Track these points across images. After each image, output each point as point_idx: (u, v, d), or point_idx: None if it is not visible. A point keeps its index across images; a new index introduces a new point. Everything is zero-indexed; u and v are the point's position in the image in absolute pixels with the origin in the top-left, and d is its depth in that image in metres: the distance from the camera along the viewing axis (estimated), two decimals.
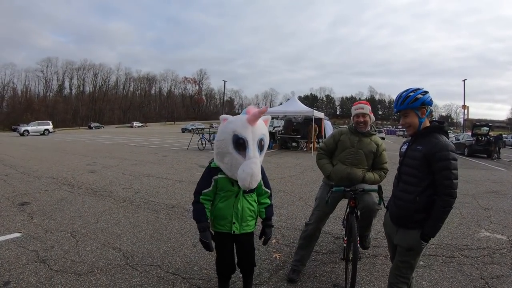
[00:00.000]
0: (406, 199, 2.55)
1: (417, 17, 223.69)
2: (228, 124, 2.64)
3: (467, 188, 9.63)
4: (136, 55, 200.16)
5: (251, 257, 2.97)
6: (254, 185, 2.56)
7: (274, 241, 4.75)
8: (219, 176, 2.71)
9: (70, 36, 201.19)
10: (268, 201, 2.94)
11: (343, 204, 3.98)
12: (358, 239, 3.35)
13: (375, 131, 3.92)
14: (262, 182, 2.86)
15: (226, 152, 2.60)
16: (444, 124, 2.63)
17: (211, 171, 2.78)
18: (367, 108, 3.75)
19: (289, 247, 4.54)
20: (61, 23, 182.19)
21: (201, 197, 2.76)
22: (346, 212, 3.79)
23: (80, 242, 4.56)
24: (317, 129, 21.09)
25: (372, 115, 3.82)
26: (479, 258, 4.36)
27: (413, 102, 2.52)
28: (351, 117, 3.87)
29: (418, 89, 2.57)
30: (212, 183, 2.76)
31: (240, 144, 2.54)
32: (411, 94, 2.54)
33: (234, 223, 2.75)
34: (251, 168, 2.48)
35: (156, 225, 5.33)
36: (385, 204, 2.97)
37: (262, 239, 2.93)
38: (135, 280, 3.52)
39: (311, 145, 20.68)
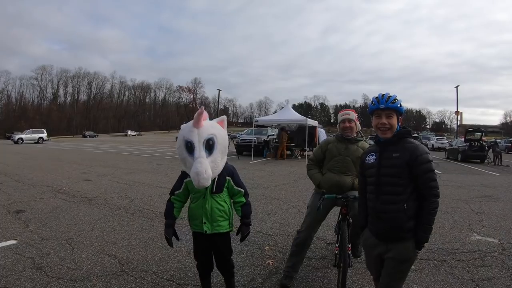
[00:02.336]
0: (393, 210, 2.40)
1: (408, 23, 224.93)
2: (181, 131, 2.83)
3: (459, 193, 9.73)
4: (129, 64, 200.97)
5: (226, 258, 3.06)
6: (205, 183, 2.62)
7: (267, 247, 4.80)
8: (188, 178, 2.80)
9: (62, 44, 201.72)
10: (243, 199, 3.00)
11: (336, 211, 3.99)
12: (349, 246, 3.39)
13: (362, 137, 3.96)
14: (232, 182, 2.95)
15: (184, 157, 2.75)
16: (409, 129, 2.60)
17: (183, 174, 2.94)
18: (353, 115, 3.82)
19: (282, 254, 4.56)
20: (53, 30, 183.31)
21: (172, 197, 3.00)
22: (338, 219, 3.81)
23: (76, 249, 4.59)
24: (287, 137, 21.36)
25: (358, 123, 3.89)
26: (470, 261, 4.40)
27: (396, 103, 2.49)
28: (338, 124, 3.93)
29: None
30: (183, 185, 2.94)
31: (189, 147, 2.69)
32: (392, 95, 2.52)
33: (204, 223, 2.85)
34: (196, 167, 2.59)
35: (151, 233, 5.37)
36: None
37: (240, 236, 3.02)
38: (130, 286, 3.56)
39: (275, 153, 21.13)
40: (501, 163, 21.37)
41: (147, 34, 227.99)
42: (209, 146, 2.71)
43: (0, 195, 8.25)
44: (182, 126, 2.89)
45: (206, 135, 2.69)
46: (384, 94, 2.53)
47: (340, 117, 3.88)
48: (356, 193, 3.61)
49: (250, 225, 3.03)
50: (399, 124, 2.54)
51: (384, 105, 2.48)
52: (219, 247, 2.99)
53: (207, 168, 2.61)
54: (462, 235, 5.57)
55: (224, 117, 3.07)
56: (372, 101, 2.59)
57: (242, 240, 3.02)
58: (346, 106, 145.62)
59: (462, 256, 4.61)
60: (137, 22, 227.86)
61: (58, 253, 4.43)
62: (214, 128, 2.80)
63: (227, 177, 2.92)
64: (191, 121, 2.75)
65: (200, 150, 2.65)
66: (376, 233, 2.52)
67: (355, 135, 3.84)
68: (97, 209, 6.95)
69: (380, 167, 2.50)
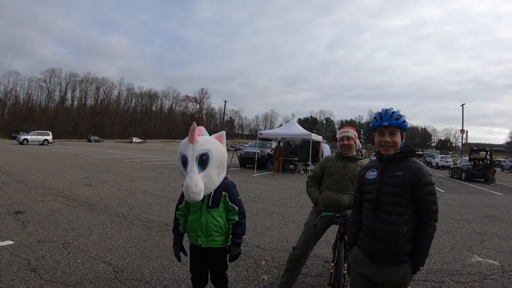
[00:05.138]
0: (392, 231, 2.31)
1: (414, 39, 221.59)
2: (179, 146, 2.90)
3: (461, 213, 9.66)
4: (136, 70, 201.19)
5: (220, 273, 3.07)
6: (195, 197, 2.65)
7: (263, 262, 4.76)
8: None
9: (70, 48, 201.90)
10: (235, 218, 2.97)
11: (334, 228, 3.98)
12: (345, 265, 3.37)
13: (362, 155, 3.92)
14: (228, 198, 2.95)
15: (181, 171, 2.81)
16: (414, 148, 2.53)
17: None
18: (352, 132, 3.81)
19: (278, 269, 4.52)
20: (61, 34, 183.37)
21: (177, 212, 3.07)
22: (336, 237, 3.79)
23: (71, 253, 4.60)
24: (281, 151, 21.39)
25: (358, 141, 3.86)
26: (469, 284, 4.36)
27: (400, 120, 2.41)
28: (337, 142, 3.92)
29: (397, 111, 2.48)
30: (184, 199, 2.95)
31: (183, 161, 2.77)
32: (395, 111, 2.44)
33: (199, 236, 2.89)
34: (186, 181, 2.64)
35: (148, 242, 5.36)
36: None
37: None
38: None
39: (274, 166, 21.21)
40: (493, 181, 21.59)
41: (154, 42, 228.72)
42: (203, 161, 2.74)
43: (1, 195, 8.29)
44: (182, 141, 2.94)
45: (200, 150, 2.73)
46: (387, 110, 2.46)
47: (339, 134, 3.89)
48: None
49: (239, 245, 2.99)
50: (403, 141, 2.47)
51: (388, 122, 2.41)
52: (213, 261, 3.01)
53: (197, 182, 2.64)
54: (462, 256, 5.51)
55: (223, 132, 3.10)
56: (375, 117, 2.51)
57: (230, 260, 3.00)
58: (351, 122, 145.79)
59: (461, 278, 4.57)
60: (144, 29, 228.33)
61: (53, 257, 4.44)
62: (210, 144, 2.82)
63: (223, 193, 2.93)
64: (187, 137, 2.80)
65: (192, 165, 2.70)
66: (370, 253, 2.42)
67: (355, 153, 3.82)
68: (96, 214, 6.95)
69: (381, 184, 2.42)
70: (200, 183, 2.65)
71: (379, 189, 2.42)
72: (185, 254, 3.09)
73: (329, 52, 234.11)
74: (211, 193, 2.86)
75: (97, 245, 5.04)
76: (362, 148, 4.03)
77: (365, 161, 3.78)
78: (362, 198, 2.61)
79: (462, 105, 49.76)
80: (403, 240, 2.30)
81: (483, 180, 22.15)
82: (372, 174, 2.53)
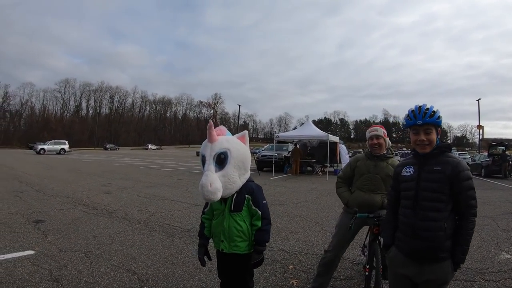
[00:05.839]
0: (433, 227, 2.25)
1: (424, 36, 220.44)
2: (201, 147, 2.81)
3: (485, 209, 9.33)
4: (149, 78, 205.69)
5: (242, 281, 2.88)
6: (210, 196, 2.50)
7: (291, 267, 4.61)
8: None
9: (82, 58, 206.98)
10: (257, 223, 2.77)
11: (362, 230, 3.87)
12: (381, 267, 3.23)
13: (392, 153, 3.83)
14: (251, 201, 2.78)
15: (202, 171, 2.68)
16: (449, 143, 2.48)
17: None
18: (381, 131, 3.71)
19: (306, 273, 4.39)
20: (73, 45, 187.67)
21: (202, 216, 2.96)
22: (367, 239, 3.74)
23: (94, 262, 4.47)
24: (299, 153, 21.32)
25: (387, 139, 3.76)
26: (500, 282, 4.19)
27: (434, 117, 2.36)
28: (366, 141, 3.82)
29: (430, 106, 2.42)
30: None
31: (203, 161, 2.67)
32: (429, 107, 2.39)
33: (222, 241, 2.75)
34: (201, 180, 2.53)
35: (171, 249, 5.21)
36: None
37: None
38: None
39: (292, 169, 21.06)
40: (510, 175, 21.31)
41: (165, 49, 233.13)
42: (220, 160, 2.61)
43: (20, 204, 8.26)
44: (203, 142, 2.84)
45: (218, 149, 2.62)
46: (421, 106, 2.39)
47: (368, 133, 3.78)
48: None
49: (261, 253, 2.79)
50: (438, 137, 2.41)
51: (422, 121, 2.35)
52: (237, 268, 2.82)
53: (213, 181, 2.51)
54: (490, 254, 5.32)
55: (246, 132, 2.97)
56: (408, 115, 2.44)
57: (252, 267, 2.83)
58: (366, 122, 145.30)
59: (492, 276, 4.40)
60: (155, 37, 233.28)
61: (76, 266, 4.31)
62: (229, 143, 2.69)
63: (246, 196, 2.76)
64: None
65: (209, 164, 2.59)
66: (410, 252, 2.35)
67: (385, 151, 3.72)
68: (117, 222, 6.85)
69: (420, 181, 2.35)
70: (216, 182, 2.52)
71: (418, 186, 2.35)
72: (209, 259, 2.96)
73: (340, 53, 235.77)
74: (233, 196, 2.71)
75: (120, 253, 4.91)
76: (392, 146, 3.89)
77: (396, 159, 3.72)
78: (397, 196, 2.54)
79: (478, 100, 48.78)
80: (444, 236, 2.24)
81: (501, 176, 21.84)
82: (409, 171, 2.45)
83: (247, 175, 2.80)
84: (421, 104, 2.42)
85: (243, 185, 2.74)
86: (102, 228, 6.32)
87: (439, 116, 2.37)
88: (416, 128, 2.39)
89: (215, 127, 2.66)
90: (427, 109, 2.36)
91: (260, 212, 2.77)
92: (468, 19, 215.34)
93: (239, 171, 2.70)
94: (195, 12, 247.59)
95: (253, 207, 2.76)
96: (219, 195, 2.54)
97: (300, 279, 4.21)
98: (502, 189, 14.98)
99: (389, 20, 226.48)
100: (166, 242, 5.54)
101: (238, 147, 2.73)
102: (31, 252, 4.77)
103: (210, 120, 2.70)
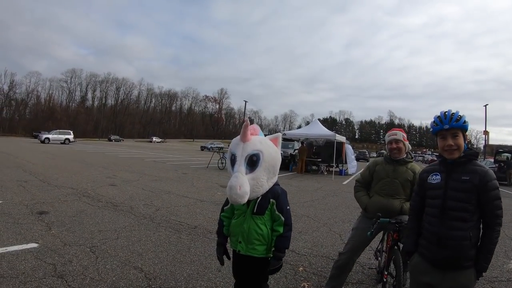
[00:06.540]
0: (459, 237, 2.23)
1: (432, 38, 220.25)
2: (231, 143, 2.72)
3: None
4: (155, 71, 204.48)
5: (255, 284, 2.78)
6: (238, 199, 2.42)
7: (301, 269, 4.52)
8: None
9: (89, 49, 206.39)
10: (279, 229, 2.65)
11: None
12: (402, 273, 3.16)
13: (412, 158, 3.73)
14: (275, 206, 2.66)
15: (229, 170, 2.62)
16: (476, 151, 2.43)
17: None
18: (400, 134, 3.63)
19: (317, 276, 4.30)
20: (80, 35, 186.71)
21: (221, 214, 2.87)
22: (381, 244, 3.74)
23: (99, 258, 4.33)
24: (306, 152, 21.23)
25: (407, 143, 3.67)
26: None
27: (460, 121, 2.33)
28: (385, 145, 3.75)
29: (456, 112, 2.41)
30: None
31: (232, 160, 2.58)
32: (455, 112, 2.36)
33: (240, 242, 2.66)
34: (231, 181, 2.44)
35: (178, 246, 5.07)
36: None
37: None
38: None
39: (297, 167, 20.94)
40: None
41: (172, 42, 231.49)
42: (252, 162, 2.51)
43: (24, 194, 8.16)
44: (234, 138, 2.73)
45: (250, 150, 2.51)
46: (446, 112, 2.39)
47: (387, 137, 3.71)
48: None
49: (281, 259, 2.66)
50: (466, 142, 2.39)
51: (449, 125, 2.34)
52: (251, 271, 2.72)
53: (242, 184, 2.40)
54: (499, 262, 5.21)
55: (279, 134, 2.85)
56: (434, 121, 2.43)
57: (269, 273, 2.73)
58: (371, 122, 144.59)
59: (501, 285, 4.38)
60: (162, 30, 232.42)
61: (81, 261, 4.18)
62: (262, 145, 2.58)
63: (271, 200, 2.64)
64: (239, 135, 2.61)
65: (240, 165, 2.49)
66: (433, 259, 2.35)
67: (404, 156, 3.63)
68: (122, 216, 6.71)
69: (447, 189, 2.32)
70: (245, 185, 2.40)
71: (445, 195, 2.33)
72: (228, 258, 2.86)
73: (346, 52, 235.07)
74: (257, 198, 2.60)
75: (126, 249, 4.77)
76: (411, 150, 3.77)
77: (416, 164, 3.65)
78: (422, 203, 2.51)
79: (485, 106, 48.03)
80: (469, 245, 2.24)
81: (506, 183, 21.81)
82: (435, 178, 2.43)
83: (275, 179, 2.70)
84: (446, 110, 2.41)
85: (269, 188, 2.63)
86: (107, 222, 6.18)
87: (465, 121, 2.35)
88: (443, 134, 2.38)
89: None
90: (453, 114, 2.35)
91: (283, 218, 2.65)
92: (477, 23, 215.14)
93: (268, 175, 2.61)
94: (203, 6, 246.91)
95: (277, 212, 2.65)
96: (246, 199, 2.45)
97: (311, 282, 4.13)
98: (508, 196, 14.76)
99: (397, 20, 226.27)
100: (173, 239, 5.40)
101: (271, 150, 2.63)
102: (34, 245, 4.64)
103: (247, 119, 2.59)
